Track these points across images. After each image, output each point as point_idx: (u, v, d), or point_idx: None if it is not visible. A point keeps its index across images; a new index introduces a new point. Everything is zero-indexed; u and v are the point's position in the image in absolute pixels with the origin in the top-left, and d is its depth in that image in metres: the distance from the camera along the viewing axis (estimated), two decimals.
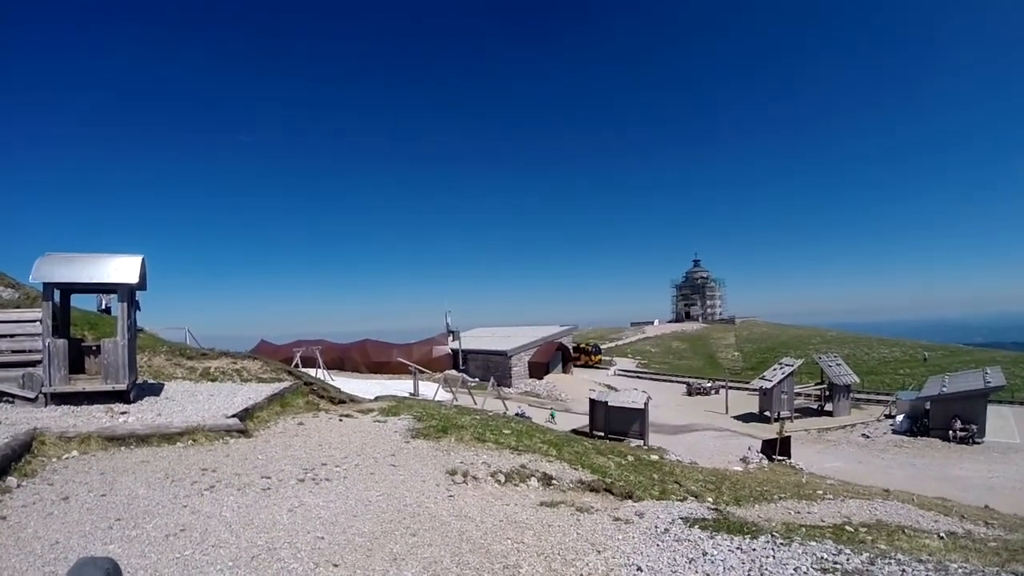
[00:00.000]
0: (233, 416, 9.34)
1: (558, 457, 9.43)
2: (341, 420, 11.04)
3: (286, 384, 13.12)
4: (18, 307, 13.02)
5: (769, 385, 31.34)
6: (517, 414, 23.00)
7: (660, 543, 5.42)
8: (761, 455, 19.93)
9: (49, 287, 9.80)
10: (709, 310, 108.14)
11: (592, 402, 23.24)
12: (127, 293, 10.27)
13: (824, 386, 34.11)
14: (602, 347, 63.51)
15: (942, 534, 8.09)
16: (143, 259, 10.57)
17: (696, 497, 9.44)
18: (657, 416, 27.31)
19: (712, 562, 4.86)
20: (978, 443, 23.02)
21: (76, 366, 10.47)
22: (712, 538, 5.49)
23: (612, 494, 7.85)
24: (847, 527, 8.19)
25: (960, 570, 4.69)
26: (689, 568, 4.77)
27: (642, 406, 21.48)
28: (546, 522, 6.06)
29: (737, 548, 5.18)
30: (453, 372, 33.07)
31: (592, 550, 5.25)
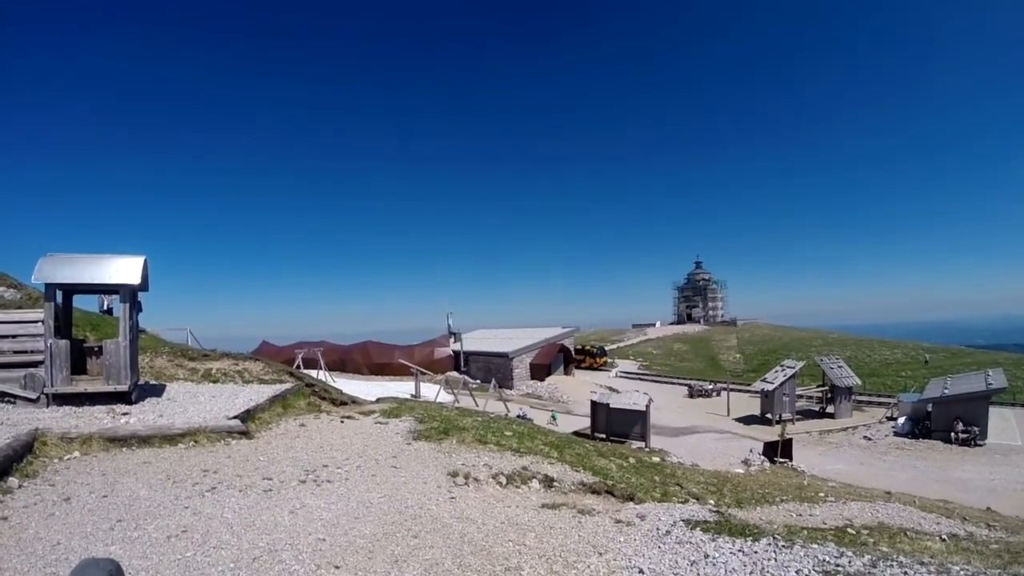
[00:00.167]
0: (235, 417, 9.35)
1: (560, 459, 9.41)
2: (343, 422, 11.04)
3: (288, 385, 13.14)
4: (20, 308, 13.06)
5: (771, 387, 31.28)
6: (519, 416, 22.97)
7: (662, 545, 5.41)
8: (763, 457, 19.88)
9: (51, 288, 9.82)
10: (711, 312, 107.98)
11: (593, 404, 23.22)
12: (129, 294, 10.29)
13: (826, 388, 34.03)
14: (604, 349, 63.54)
15: (944, 536, 8.06)
16: (145, 260, 10.58)
17: (698, 499, 9.43)
18: (659, 418, 27.27)
19: (714, 564, 4.84)
20: (980, 445, 22.97)
21: (78, 367, 10.48)
22: (714, 540, 5.47)
23: (614, 496, 7.84)
24: (849, 529, 8.16)
25: (962, 572, 4.67)
26: (691, 570, 4.76)
27: (643, 408, 21.46)
28: (548, 524, 6.05)
29: (739, 550, 5.17)
30: (455, 374, 33.06)
31: (594, 552, 5.24)
